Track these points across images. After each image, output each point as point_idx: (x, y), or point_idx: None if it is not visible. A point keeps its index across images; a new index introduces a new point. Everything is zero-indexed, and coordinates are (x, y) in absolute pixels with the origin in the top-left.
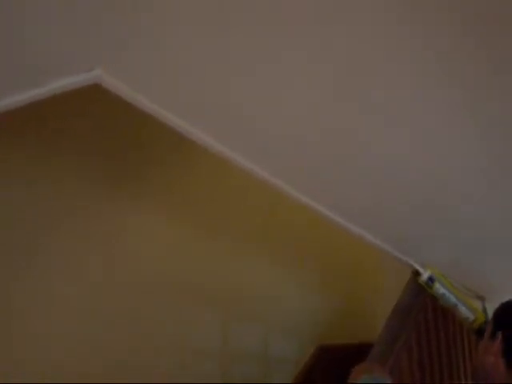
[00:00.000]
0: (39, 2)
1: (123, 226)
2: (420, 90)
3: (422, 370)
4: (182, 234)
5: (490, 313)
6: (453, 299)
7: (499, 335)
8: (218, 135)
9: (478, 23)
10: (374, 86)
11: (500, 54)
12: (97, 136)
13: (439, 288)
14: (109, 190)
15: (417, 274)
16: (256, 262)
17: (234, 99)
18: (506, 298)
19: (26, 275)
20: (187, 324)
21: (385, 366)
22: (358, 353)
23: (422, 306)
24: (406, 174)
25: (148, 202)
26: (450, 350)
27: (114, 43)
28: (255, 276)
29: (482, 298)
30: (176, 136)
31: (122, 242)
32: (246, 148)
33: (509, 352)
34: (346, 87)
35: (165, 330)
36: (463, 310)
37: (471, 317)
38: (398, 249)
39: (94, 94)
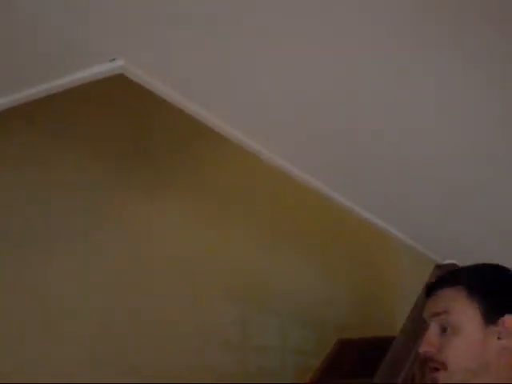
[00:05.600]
0: None
1: (139, 214)
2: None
3: None
4: (198, 224)
5: None
6: None
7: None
8: (246, 129)
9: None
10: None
11: None
12: (112, 122)
13: None
14: (124, 178)
15: None
16: (276, 254)
17: (258, 89)
18: None
19: (31, 266)
20: (206, 314)
21: (407, 358)
22: (378, 346)
23: None
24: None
25: (163, 190)
26: None
27: (136, 33)
28: (275, 267)
29: None
30: (196, 124)
31: (137, 230)
32: (271, 142)
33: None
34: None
35: (182, 321)
36: None
37: None
38: (422, 243)
39: (113, 81)
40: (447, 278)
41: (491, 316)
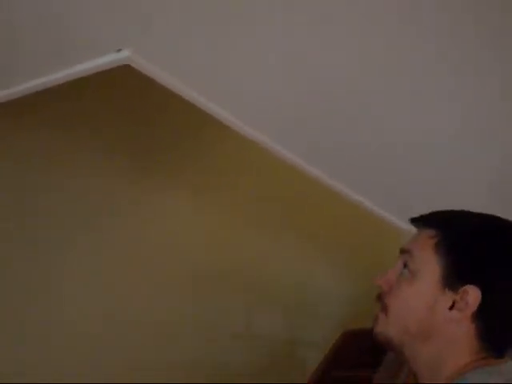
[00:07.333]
0: None
1: (148, 210)
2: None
3: None
4: (207, 219)
5: None
6: None
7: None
8: (250, 119)
9: None
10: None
11: None
12: (118, 114)
13: None
14: (134, 173)
15: None
16: (283, 247)
17: (265, 81)
18: None
19: (33, 266)
20: (212, 308)
21: None
22: None
23: None
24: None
25: (173, 184)
26: None
27: (143, 23)
28: (282, 260)
29: None
30: (201, 115)
31: (146, 225)
32: (272, 129)
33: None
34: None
35: (188, 315)
36: None
37: None
38: None
39: (119, 76)
40: (430, 215)
41: (452, 280)
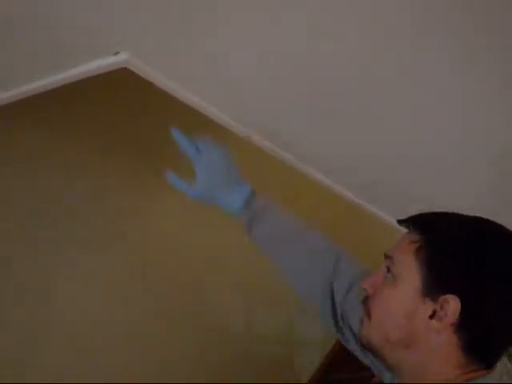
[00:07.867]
0: None
1: (148, 210)
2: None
3: None
4: (207, 219)
5: None
6: None
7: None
8: (251, 121)
9: None
10: None
11: None
12: (120, 117)
13: None
14: (134, 173)
15: None
16: None
17: (266, 84)
18: None
19: (33, 266)
20: (212, 308)
21: None
22: None
23: None
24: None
25: (162, 187)
26: None
27: (141, 26)
28: None
29: None
30: (203, 118)
31: (146, 225)
32: (272, 129)
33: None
34: None
35: (188, 315)
36: None
37: None
38: None
39: (117, 79)
40: (415, 218)
41: (432, 289)
